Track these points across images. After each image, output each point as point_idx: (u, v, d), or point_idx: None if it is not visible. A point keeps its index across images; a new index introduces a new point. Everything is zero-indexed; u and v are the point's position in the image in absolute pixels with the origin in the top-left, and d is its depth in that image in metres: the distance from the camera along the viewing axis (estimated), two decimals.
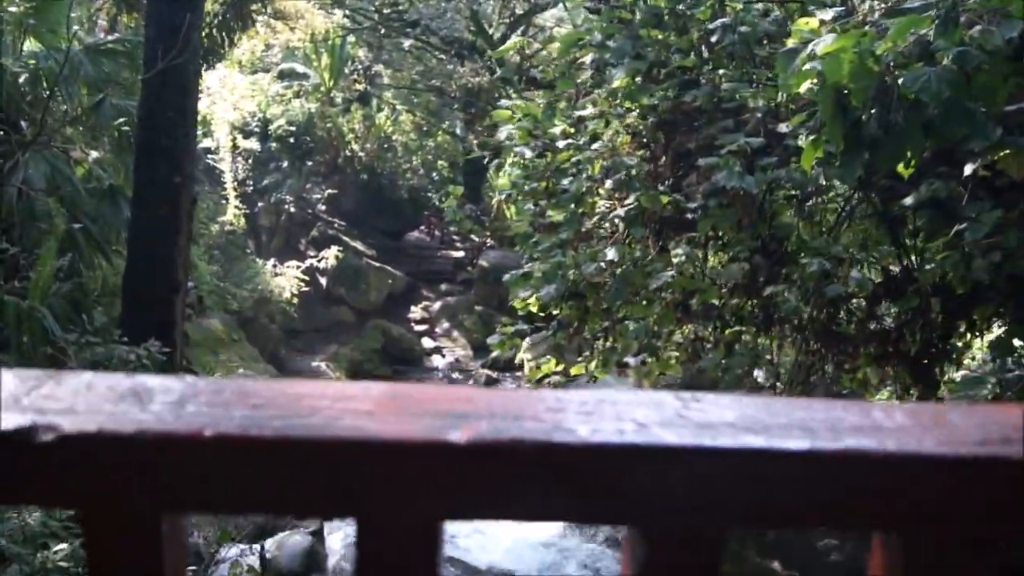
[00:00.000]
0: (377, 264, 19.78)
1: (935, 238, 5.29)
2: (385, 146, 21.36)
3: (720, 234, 6.31)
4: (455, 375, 17.80)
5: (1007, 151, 3.71)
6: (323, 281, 18.90)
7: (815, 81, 3.64)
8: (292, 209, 19.54)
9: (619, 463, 0.55)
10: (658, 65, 5.88)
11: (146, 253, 7.71)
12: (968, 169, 3.99)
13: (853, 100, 3.43)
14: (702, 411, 0.59)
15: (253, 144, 19.18)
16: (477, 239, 20.12)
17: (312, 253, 19.24)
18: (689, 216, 5.58)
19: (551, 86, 7.44)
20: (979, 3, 3.43)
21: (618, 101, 6.14)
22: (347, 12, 19.82)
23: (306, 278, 17.60)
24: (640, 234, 5.50)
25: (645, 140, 6.28)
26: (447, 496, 0.55)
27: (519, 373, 17.37)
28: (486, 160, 20.00)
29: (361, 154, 20.95)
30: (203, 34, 10.42)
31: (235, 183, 18.72)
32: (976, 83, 3.29)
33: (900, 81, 3.37)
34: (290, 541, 7.82)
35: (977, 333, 6.04)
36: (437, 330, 19.22)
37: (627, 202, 5.42)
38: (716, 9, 5.74)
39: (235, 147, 18.98)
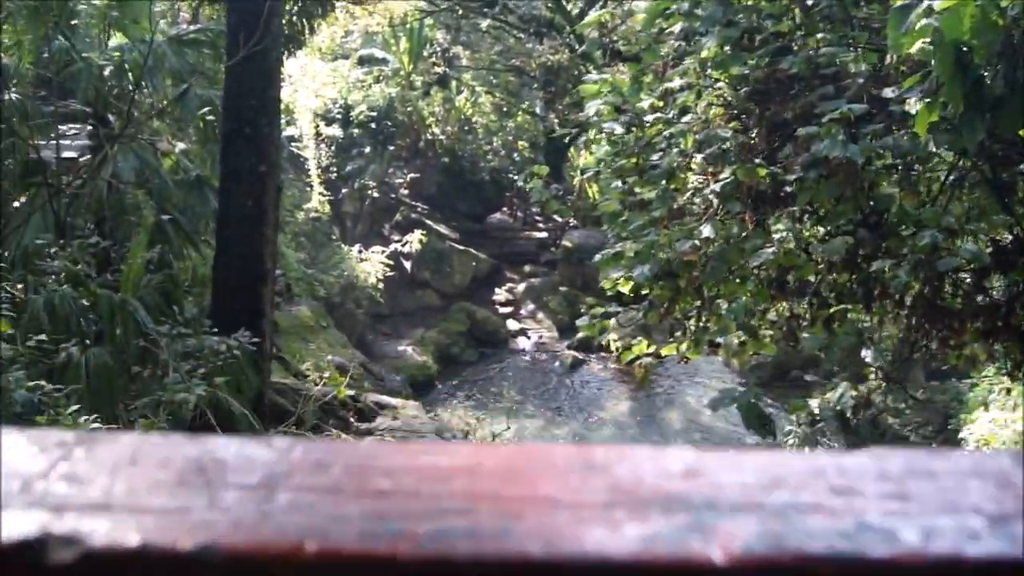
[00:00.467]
0: (461, 247, 19.76)
1: None
2: (465, 128, 21.29)
3: (817, 208, 6.04)
4: (541, 356, 17.70)
5: None
6: (408, 265, 18.96)
7: (930, 39, 3.37)
8: (375, 194, 19.61)
9: None
10: (750, 32, 5.62)
11: (234, 242, 7.73)
12: None
13: (975, 57, 3.16)
14: None
15: (335, 131, 19.30)
16: (560, 219, 19.95)
17: (396, 238, 19.31)
18: (788, 189, 5.33)
19: (636, 59, 7.20)
20: None
21: (708, 71, 5.90)
22: None
23: (391, 263, 17.66)
24: (736, 209, 5.26)
25: (736, 112, 6.03)
26: None
27: (604, 354, 17.20)
28: (567, 139, 19.81)
29: (442, 137, 20.92)
30: (283, 21, 10.43)
31: (319, 170, 18.88)
32: None
33: None
34: None
35: None
36: (522, 312, 19.15)
37: (722, 176, 5.18)
38: None
39: (318, 134, 19.13)
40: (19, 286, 6.04)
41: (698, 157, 5.81)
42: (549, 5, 18.93)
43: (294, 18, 12.60)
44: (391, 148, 20.20)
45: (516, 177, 20.82)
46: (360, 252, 17.65)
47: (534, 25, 19.11)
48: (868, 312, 6.88)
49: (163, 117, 9.31)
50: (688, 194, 5.77)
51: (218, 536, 0.35)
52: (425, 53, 21.49)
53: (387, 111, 19.85)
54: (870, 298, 6.43)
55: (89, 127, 8.65)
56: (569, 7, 18.96)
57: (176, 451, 0.40)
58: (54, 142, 7.87)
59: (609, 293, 7.29)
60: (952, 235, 5.27)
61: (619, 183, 6.33)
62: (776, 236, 5.20)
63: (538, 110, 22.67)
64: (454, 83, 21.74)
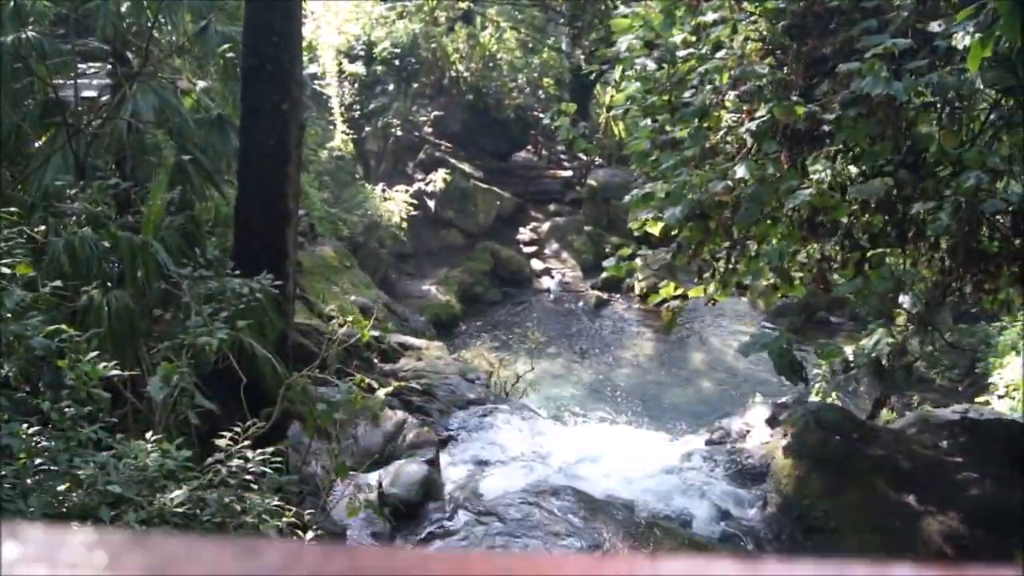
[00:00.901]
0: (485, 186, 19.59)
1: None
2: (490, 65, 20.96)
3: (852, 147, 5.84)
4: (565, 296, 17.61)
5: None
6: (431, 204, 18.83)
7: None
8: (399, 132, 19.42)
9: None
10: None
11: (256, 182, 7.60)
12: None
13: None
14: None
15: (359, 68, 19.05)
16: (585, 158, 19.70)
17: (420, 176, 19.15)
18: (826, 128, 5.14)
19: None
20: None
21: (743, 4, 5.68)
22: None
23: (415, 202, 17.55)
24: (772, 149, 5.08)
25: (772, 47, 5.81)
26: None
27: (629, 295, 17.08)
28: (593, 76, 19.44)
29: (466, 74, 20.62)
30: None
31: (342, 108, 18.69)
32: None
33: None
34: (406, 470, 7.71)
35: None
36: (546, 251, 19.02)
37: (757, 115, 5.00)
38: None
39: (341, 71, 18.90)
40: (39, 228, 5.96)
41: (732, 94, 5.62)
42: None
43: None
44: (415, 85, 19.93)
45: (541, 115, 20.56)
46: (384, 191, 17.53)
47: None
48: (903, 254, 6.71)
49: (183, 55, 9.14)
50: (721, 133, 5.60)
51: None
52: None
53: (411, 48, 19.56)
54: (904, 240, 6.26)
55: (108, 66, 8.51)
56: None
57: None
58: (73, 82, 7.75)
59: (637, 234, 7.15)
60: (996, 176, 5.09)
61: (649, 121, 6.15)
62: (813, 177, 5.03)
63: (564, 46, 22.27)
64: (478, 18, 21.36)
